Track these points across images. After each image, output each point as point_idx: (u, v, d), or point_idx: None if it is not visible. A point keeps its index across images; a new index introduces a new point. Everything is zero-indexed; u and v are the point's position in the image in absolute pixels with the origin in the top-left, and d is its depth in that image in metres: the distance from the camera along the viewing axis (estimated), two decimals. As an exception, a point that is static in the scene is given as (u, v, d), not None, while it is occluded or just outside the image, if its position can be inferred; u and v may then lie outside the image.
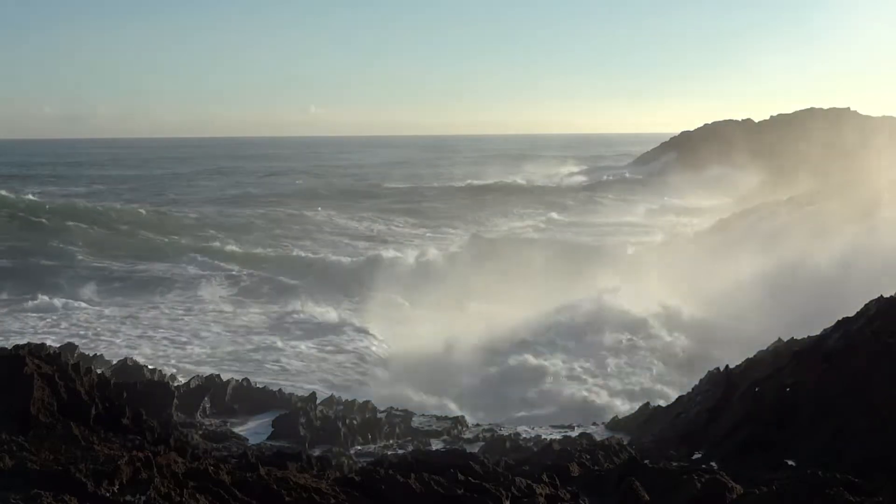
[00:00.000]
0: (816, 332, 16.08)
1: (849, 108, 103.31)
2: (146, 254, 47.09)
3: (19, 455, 10.23)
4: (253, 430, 16.63)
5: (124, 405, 14.11)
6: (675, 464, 13.02)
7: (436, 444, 16.28)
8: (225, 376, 19.24)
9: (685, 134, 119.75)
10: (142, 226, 56.29)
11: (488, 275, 38.07)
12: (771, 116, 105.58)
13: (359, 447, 16.03)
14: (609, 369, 26.34)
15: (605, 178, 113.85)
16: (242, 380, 19.24)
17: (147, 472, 8.81)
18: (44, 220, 53.40)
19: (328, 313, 31.96)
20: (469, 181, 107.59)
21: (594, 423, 19.19)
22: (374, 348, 28.17)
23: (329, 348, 27.68)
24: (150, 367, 19.87)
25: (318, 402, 18.37)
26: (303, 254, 48.82)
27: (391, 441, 16.68)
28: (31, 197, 66.79)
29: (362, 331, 29.66)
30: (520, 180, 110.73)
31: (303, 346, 27.66)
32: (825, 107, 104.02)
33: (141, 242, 51.09)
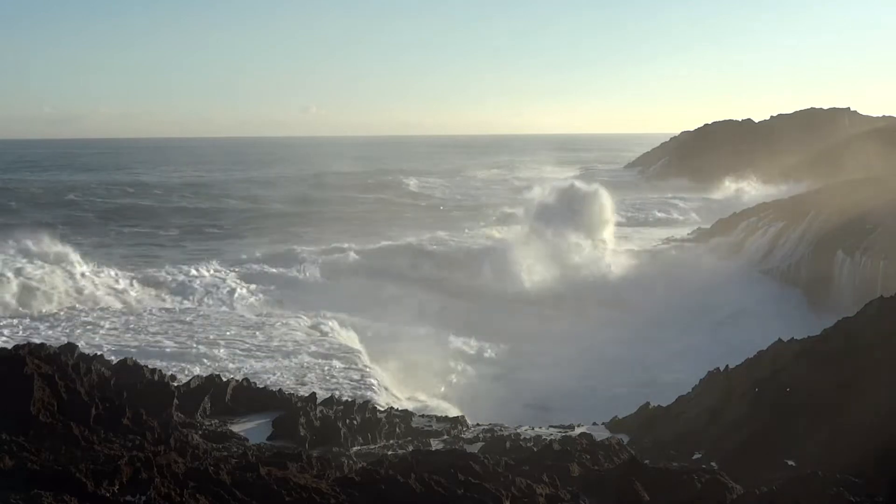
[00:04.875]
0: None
1: (849, 108, 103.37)
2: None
3: (19, 455, 10.24)
4: (253, 430, 16.59)
5: (124, 405, 14.11)
6: (675, 464, 13.03)
7: (436, 444, 16.24)
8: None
9: (685, 134, 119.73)
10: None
11: None
12: (771, 116, 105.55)
13: (359, 447, 16.01)
14: None
15: (600, 179, 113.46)
16: (242, 380, 19.20)
17: (147, 472, 8.81)
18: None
19: None
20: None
21: (594, 423, 19.17)
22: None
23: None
24: (149, 366, 19.82)
25: (318, 402, 18.34)
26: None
27: (391, 441, 16.64)
28: None
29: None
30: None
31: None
32: (825, 107, 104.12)
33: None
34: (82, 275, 37.83)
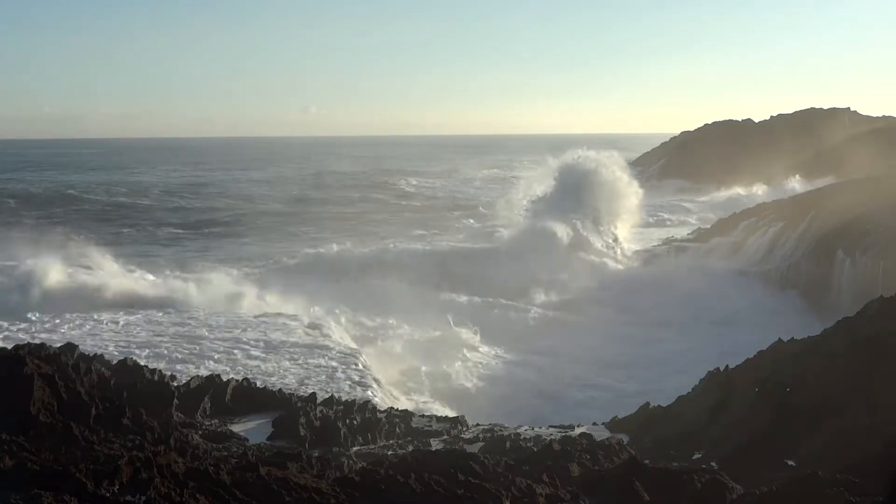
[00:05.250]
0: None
1: (849, 108, 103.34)
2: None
3: (19, 455, 10.24)
4: (253, 430, 16.59)
5: (124, 405, 14.11)
6: (675, 464, 13.03)
7: (436, 444, 16.23)
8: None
9: (685, 134, 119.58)
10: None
11: None
12: (771, 116, 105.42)
13: (359, 447, 16.01)
14: None
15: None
16: (242, 380, 19.21)
17: (147, 472, 8.81)
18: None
19: None
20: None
21: (594, 423, 19.18)
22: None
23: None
24: (150, 366, 19.83)
25: (318, 402, 18.35)
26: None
27: (391, 441, 16.64)
28: None
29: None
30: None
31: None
32: (825, 107, 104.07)
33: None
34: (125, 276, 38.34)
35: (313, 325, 30.88)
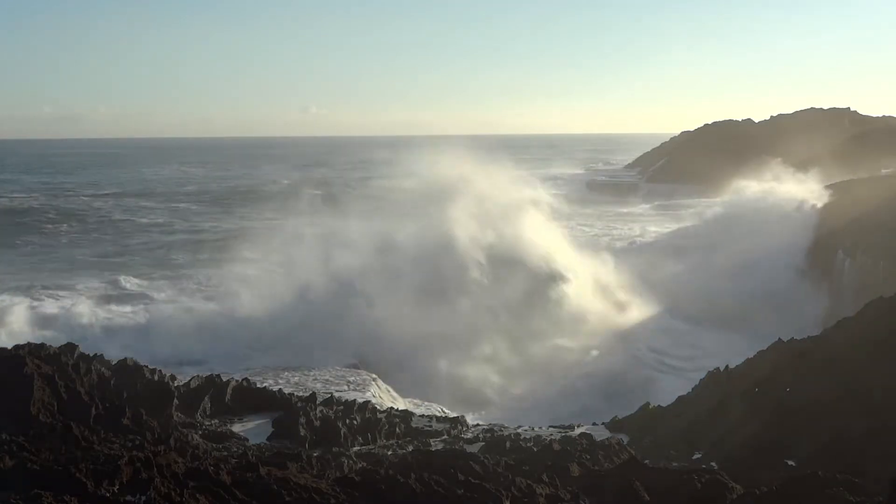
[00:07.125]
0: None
1: (849, 108, 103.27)
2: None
3: (19, 455, 10.24)
4: (253, 430, 16.60)
5: (124, 405, 14.12)
6: (675, 464, 13.04)
7: (436, 444, 16.25)
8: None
9: (685, 134, 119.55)
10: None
11: None
12: (771, 116, 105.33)
13: (359, 447, 16.01)
14: None
15: (597, 179, 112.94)
16: (242, 380, 19.21)
17: (147, 472, 8.81)
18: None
19: None
20: None
21: (594, 423, 19.19)
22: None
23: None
24: (149, 366, 19.80)
25: (318, 402, 18.35)
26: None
27: (391, 441, 16.65)
28: None
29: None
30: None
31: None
32: (825, 107, 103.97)
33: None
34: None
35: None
